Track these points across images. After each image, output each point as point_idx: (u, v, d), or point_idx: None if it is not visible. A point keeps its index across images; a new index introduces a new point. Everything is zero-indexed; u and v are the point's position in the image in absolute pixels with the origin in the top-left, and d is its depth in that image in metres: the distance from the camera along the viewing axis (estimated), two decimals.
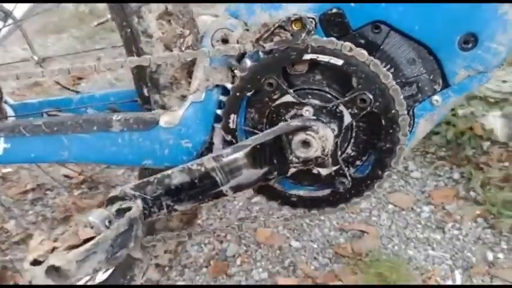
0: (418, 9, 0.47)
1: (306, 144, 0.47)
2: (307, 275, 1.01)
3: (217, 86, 0.52)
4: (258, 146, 0.48)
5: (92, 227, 0.41)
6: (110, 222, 0.42)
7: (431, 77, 0.50)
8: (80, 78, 1.95)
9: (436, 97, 0.50)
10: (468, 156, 1.35)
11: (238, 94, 0.50)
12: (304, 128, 0.47)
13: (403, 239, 1.09)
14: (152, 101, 0.58)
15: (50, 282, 0.39)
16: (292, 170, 0.49)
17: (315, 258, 1.06)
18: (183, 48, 0.55)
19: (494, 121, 1.38)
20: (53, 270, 0.39)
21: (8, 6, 0.76)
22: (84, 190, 1.29)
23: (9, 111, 0.81)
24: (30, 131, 0.57)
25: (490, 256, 1.01)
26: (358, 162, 0.53)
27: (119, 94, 0.67)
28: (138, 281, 0.68)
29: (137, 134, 0.54)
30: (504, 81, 1.32)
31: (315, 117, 0.48)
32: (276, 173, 0.49)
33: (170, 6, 0.54)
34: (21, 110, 0.81)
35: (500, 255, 1.01)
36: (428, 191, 1.27)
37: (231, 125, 0.52)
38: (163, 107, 0.57)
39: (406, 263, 1.01)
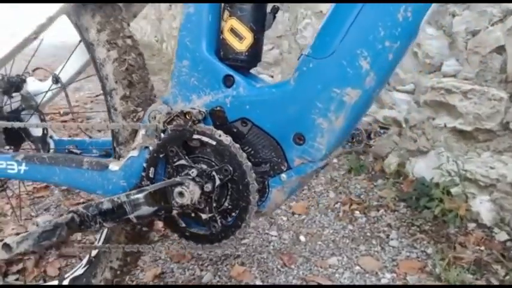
0: (268, 112, 0.68)
1: (181, 194, 0.69)
2: None
3: (146, 147, 0.78)
4: (153, 191, 0.71)
5: (37, 225, 0.68)
6: (50, 223, 0.69)
7: (279, 160, 0.70)
8: None
9: (283, 175, 0.70)
10: (449, 234, 1.42)
11: (155, 155, 0.75)
12: (181, 183, 0.69)
13: None
14: (115, 151, 0.86)
15: (3, 253, 0.67)
16: (174, 211, 0.72)
17: None
18: (135, 120, 0.82)
19: (481, 204, 1.43)
20: (6, 245, 0.66)
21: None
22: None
23: (52, 145, 1.16)
24: (39, 161, 0.88)
25: None
26: (233, 214, 0.74)
27: (108, 143, 0.96)
28: (98, 278, 0.93)
29: (95, 173, 0.82)
30: (492, 168, 1.38)
31: (190, 177, 0.70)
32: (163, 211, 0.72)
33: (128, 92, 0.81)
34: (58, 144, 1.15)
35: None
36: (398, 260, 1.35)
37: (150, 175, 0.76)
38: (120, 157, 0.84)
39: None
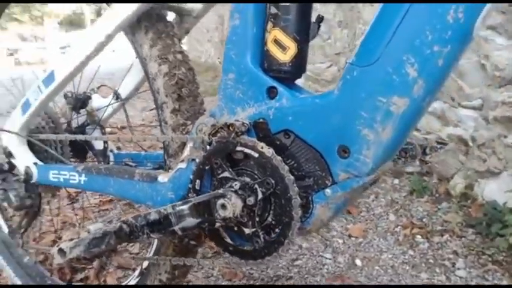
0: (311, 123, 0.66)
1: (223, 206, 0.69)
2: None
3: (193, 160, 0.79)
4: (197, 203, 0.72)
5: (88, 232, 0.71)
6: (99, 231, 0.72)
7: (323, 174, 0.67)
8: None
9: (328, 190, 0.67)
10: None
11: (200, 167, 0.76)
12: (223, 196, 0.69)
13: None
14: (166, 163, 0.88)
15: (58, 258, 0.70)
16: (217, 224, 0.71)
17: None
18: (184, 133, 0.84)
19: None
20: (61, 251, 0.69)
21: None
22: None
23: (111, 158, 1.22)
24: (96, 172, 0.92)
25: None
26: (276, 230, 0.72)
27: (161, 156, 0.99)
28: None
29: (145, 184, 0.84)
30: None
31: (233, 189, 0.70)
32: (206, 223, 0.71)
33: (178, 105, 0.84)
34: (117, 157, 1.20)
35: None
36: None
37: (196, 187, 0.77)
38: (170, 169, 0.86)
39: None
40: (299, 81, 0.76)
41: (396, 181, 2.01)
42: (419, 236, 1.55)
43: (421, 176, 1.96)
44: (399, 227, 1.63)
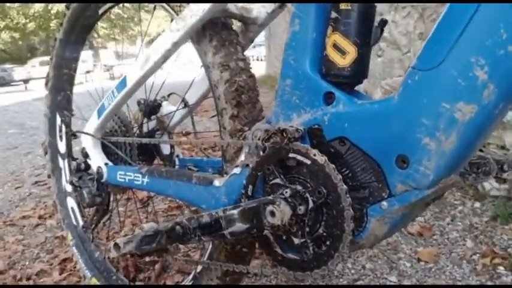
0: (368, 131, 0.62)
1: (272, 213, 0.67)
2: None
3: (247, 165, 0.78)
4: (247, 208, 0.71)
5: (141, 229, 0.74)
6: (152, 229, 0.74)
7: (379, 185, 0.62)
8: None
9: (384, 202, 0.62)
10: None
11: (253, 173, 0.75)
12: (272, 202, 0.67)
13: None
14: (223, 168, 0.88)
15: (114, 252, 0.73)
16: (266, 231, 0.69)
17: None
18: (241, 138, 0.84)
19: None
20: (116, 245, 0.73)
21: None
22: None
23: (177, 162, 1.26)
24: (158, 174, 0.96)
25: None
26: (327, 242, 0.68)
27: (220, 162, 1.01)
28: None
29: (202, 187, 0.85)
30: None
31: (283, 196, 0.68)
32: (254, 230, 0.70)
33: (236, 112, 0.84)
34: (181, 162, 1.24)
35: None
36: None
37: (249, 192, 0.76)
38: (226, 174, 0.86)
39: None
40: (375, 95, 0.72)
41: (477, 204, 1.83)
42: (501, 267, 1.38)
43: (507, 200, 1.76)
44: (477, 255, 1.47)
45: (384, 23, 0.66)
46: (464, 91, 0.51)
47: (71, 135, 1.31)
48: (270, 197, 0.69)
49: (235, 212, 0.71)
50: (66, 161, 1.37)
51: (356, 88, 0.72)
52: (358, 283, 1.36)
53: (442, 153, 0.54)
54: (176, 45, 0.90)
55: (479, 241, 1.56)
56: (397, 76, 2.97)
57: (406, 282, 1.34)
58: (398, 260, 1.47)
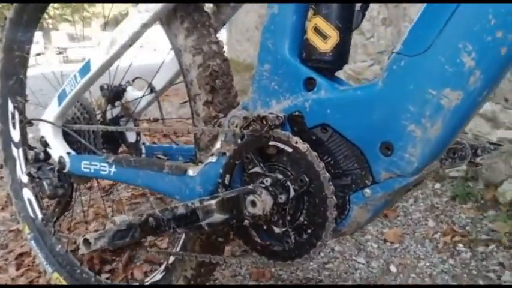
0: (351, 117, 0.61)
1: (253, 203, 0.65)
2: None
3: (224, 153, 0.76)
4: (225, 199, 0.68)
5: (114, 223, 0.69)
6: (124, 223, 0.70)
7: (362, 172, 0.62)
8: None
9: (367, 190, 0.61)
10: None
11: (230, 161, 0.72)
12: (253, 192, 0.65)
13: None
14: (196, 157, 0.85)
15: (83, 248, 0.68)
16: (246, 222, 0.67)
17: None
18: (216, 126, 0.81)
19: None
20: (86, 241, 0.68)
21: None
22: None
23: (143, 150, 1.21)
24: (126, 163, 0.91)
25: None
26: (308, 230, 0.67)
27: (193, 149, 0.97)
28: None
29: (174, 177, 0.82)
30: None
31: (263, 185, 0.66)
32: (234, 220, 0.68)
33: (210, 98, 0.81)
34: (149, 150, 1.19)
35: None
36: None
37: (226, 182, 0.74)
38: (200, 162, 0.83)
39: None
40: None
41: (438, 185, 1.90)
42: (461, 245, 1.45)
43: (465, 181, 1.84)
44: (439, 233, 1.54)
45: (365, 6, 0.65)
46: (451, 77, 0.50)
47: (27, 123, 1.22)
48: (250, 187, 0.66)
49: (213, 202, 0.69)
50: (20, 150, 1.28)
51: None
52: (328, 266, 1.38)
53: (428, 140, 0.54)
54: (145, 27, 0.84)
55: (440, 220, 1.63)
56: (360, 61, 3.01)
57: (373, 263, 1.38)
58: (365, 242, 1.50)
